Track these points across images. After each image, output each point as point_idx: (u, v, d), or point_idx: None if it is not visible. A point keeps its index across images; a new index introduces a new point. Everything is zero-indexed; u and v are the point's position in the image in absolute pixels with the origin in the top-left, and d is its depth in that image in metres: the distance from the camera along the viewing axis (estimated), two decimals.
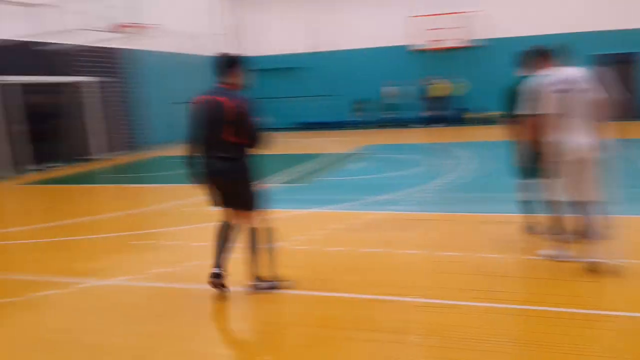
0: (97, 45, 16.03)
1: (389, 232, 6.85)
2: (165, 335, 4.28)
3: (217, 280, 4.72)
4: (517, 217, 6.51)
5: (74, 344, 4.14)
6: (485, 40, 21.60)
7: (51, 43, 15.09)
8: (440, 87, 21.82)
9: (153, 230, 7.78)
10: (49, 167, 14.83)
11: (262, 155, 4.74)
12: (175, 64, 20.33)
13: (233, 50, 23.92)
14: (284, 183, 10.71)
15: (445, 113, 22.03)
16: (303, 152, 16.07)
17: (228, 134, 4.46)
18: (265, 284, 4.84)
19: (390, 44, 22.59)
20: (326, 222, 7.45)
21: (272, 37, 24.08)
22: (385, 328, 4.16)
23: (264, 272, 4.85)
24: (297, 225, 7.46)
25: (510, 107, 6.07)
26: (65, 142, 16.17)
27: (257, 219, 4.76)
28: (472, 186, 9.71)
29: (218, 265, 4.75)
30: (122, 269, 5.92)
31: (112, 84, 17.48)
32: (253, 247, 4.77)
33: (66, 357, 3.95)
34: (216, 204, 4.82)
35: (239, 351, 4.08)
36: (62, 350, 4.07)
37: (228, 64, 4.58)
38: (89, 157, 16.31)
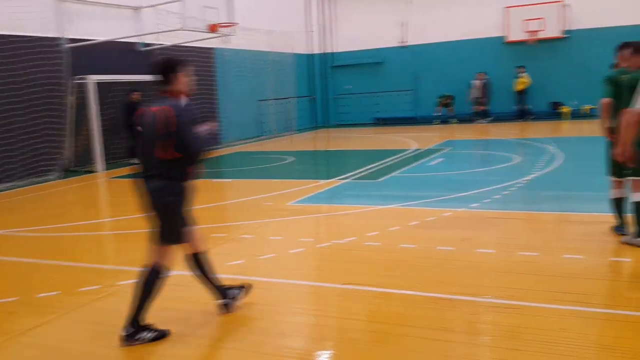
0: (190, 45, 16.57)
1: (465, 230, 6.65)
2: (241, 323, 4.37)
3: (229, 309, 4.48)
4: (606, 217, 6.19)
5: None
6: (578, 31, 20.63)
7: (151, 44, 15.84)
8: (524, 80, 21.01)
9: (232, 224, 7.98)
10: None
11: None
12: (262, 62, 20.73)
13: (320, 46, 24.05)
14: (361, 179, 10.68)
15: (531, 107, 21.26)
16: (383, 148, 15.96)
17: (160, 149, 3.95)
18: (146, 334, 4.07)
19: (480, 36, 21.98)
20: (402, 219, 7.35)
21: (359, 32, 23.95)
22: (456, 328, 4.04)
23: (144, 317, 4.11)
24: (373, 221, 7.41)
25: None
26: None
27: (168, 256, 4.16)
28: (559, 183, 9.27)
29: (223, 295, 4.47)
30: None
31: (203, 82, 18.05)
32: (147, 285, 4.07)
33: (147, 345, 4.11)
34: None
35: (308, 345, 4.08)
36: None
37: (166, 69, 4.04)
38: None
